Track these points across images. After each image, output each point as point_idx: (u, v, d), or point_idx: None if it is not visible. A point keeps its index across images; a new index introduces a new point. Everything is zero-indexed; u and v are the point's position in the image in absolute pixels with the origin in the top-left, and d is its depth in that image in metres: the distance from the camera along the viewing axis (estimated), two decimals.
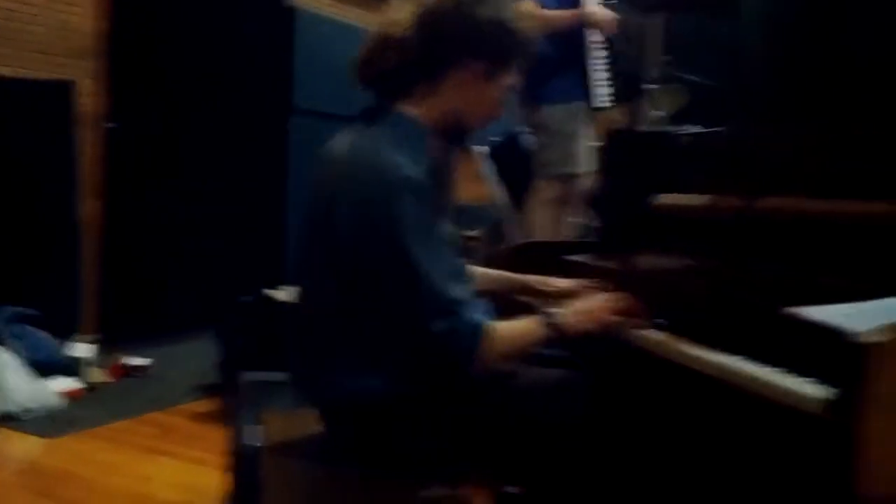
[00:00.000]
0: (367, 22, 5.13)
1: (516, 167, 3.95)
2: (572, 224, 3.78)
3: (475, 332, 1.43)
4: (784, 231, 1.55)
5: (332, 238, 1.47)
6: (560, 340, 1.53)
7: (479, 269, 1.78)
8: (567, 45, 3.52)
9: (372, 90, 1.58)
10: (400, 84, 1.54)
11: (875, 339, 0.95)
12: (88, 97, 3.68)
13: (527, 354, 1.57)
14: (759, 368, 1.18)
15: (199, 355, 3.54)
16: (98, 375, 3.29)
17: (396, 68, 1.52)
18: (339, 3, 4.97)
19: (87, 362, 3.27)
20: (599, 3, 3.59)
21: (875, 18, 1.66)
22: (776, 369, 1.15)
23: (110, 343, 3.60)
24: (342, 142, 1.56)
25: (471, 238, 5.18)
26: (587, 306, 1.57)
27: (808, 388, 1.07)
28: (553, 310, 1.54)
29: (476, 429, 1.52)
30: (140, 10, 3.79)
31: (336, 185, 1.48)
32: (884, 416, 0.95)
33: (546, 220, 3.64)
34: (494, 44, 1.51)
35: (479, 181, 5.16)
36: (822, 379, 1.06)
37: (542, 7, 3.47)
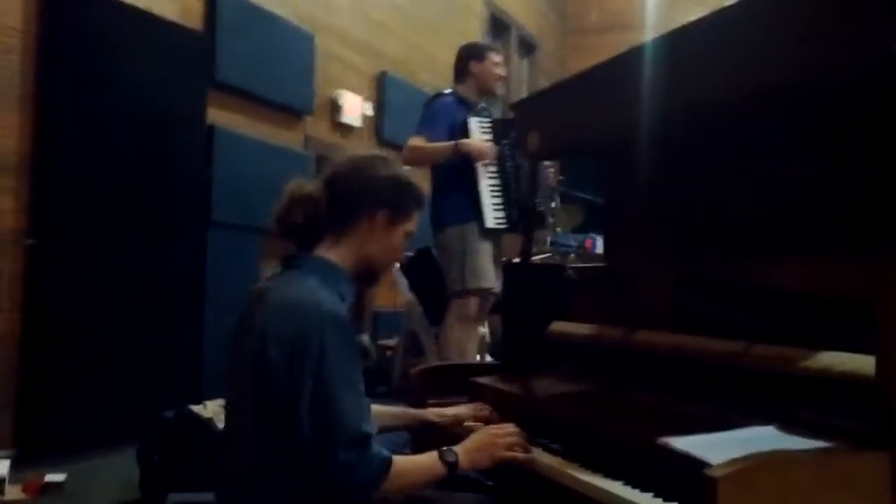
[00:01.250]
0: (282, 139, 5.38)
1: (428, 281, 4.19)
2: (481, 337, 4.03)
3: (380, 466, 1.58)
4: (658, 362, 1.79)
5: (262, 371, 1.61)
6: (456, 478, 1.70)
7: (378, 407, 1.95)
8: (458, 171, 3.85)
9: (289, 241, 1.81)
10: (313, 234, 1.78)
11: (725, 470, 1.12)
12: (9, 214, 3.76)
13: (423, 488, 1.74)
14: (634, 493, 1.36)
15: (115, 471, 3.57)
16: (14, 492, 3.27)
17: (308, 222, 1.76)
18: (256, 121, 5.19)
19: (3, 479, 3.24)
20: (484, 136, 3.97)
21: (735, 168, 1.95)
22: (649, 494, 1.34)
23: (26, 458, 3.59)
24: (269, 284, 1.76)
25: (387, 347, 5.36)
26: (479, 444, 1.73)
27: None
28: (449, 449, 1.70)
29: None
30: (64, 130, 3.91)
31: (265, 323, 1.64)
32: None
33: (460, 336, 3.87)
34: (391, 196, 1.79)
35: (394, 290, 5.37)
36: (686, 502, 1.26)
37: (431, 140, 3.85)
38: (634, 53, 1.87)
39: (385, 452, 1.62)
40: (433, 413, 2.01)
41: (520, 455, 1.70)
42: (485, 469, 1.72)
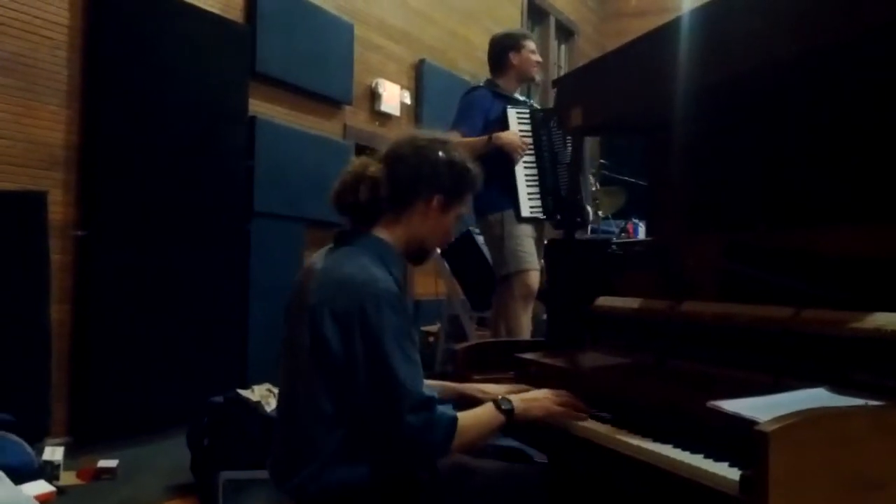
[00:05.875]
0: (322, 129, 5.42)
1: (469, 265, 4.20)
2: (531, 318, 4.04)
3: (448, 427, 1.62)
4: (706, 331, 1.78)
5: (318, 346, 1.64)
6: (513, 426, 1.72)
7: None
8: (496, 162, 3.88)
9: (346, 216, 1.83)
10: (371, 213, 1.80)
11: (777, 425, 1.11)
12: (59, 206, 3.84)
13: (486, 441, 1.77)
14: (685, 455, 1.36)
15: (166, 455, 3.65)
16: (69, 478, 3.35)
17: (369, 201, 1.77)
18: (296, 112, 5.24)
19: (58, 465, 3.33)
20: (522, 126, 4.03)
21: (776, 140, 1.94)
22: (699, 455, 1.34)
23: (79, 445, 3.68)
24: (322, 257, 1.78)
25: (429, 333, 5.39)
26: (534, 396, 1.77)
27: (725, 471, 1.26)
28: (504, 398, 1.73)
29: None
30: (110, 123, 3.98)
31: (320, 299, 1.67)
32: (783, 491, 1.14)
33: (507, 317, 3.89)
34: (449, 182, 1.80)
35: (434, 277, 5.39)
36: (737, 462, 1.25)
37: (467, 135, 3.89)
38: (676, 25, 1.86)
39: (450, 412, 1.65)
40: (473, 388, 2.01)
41: (572, 412, 1.71)
42: (536, 419, 1.73)
